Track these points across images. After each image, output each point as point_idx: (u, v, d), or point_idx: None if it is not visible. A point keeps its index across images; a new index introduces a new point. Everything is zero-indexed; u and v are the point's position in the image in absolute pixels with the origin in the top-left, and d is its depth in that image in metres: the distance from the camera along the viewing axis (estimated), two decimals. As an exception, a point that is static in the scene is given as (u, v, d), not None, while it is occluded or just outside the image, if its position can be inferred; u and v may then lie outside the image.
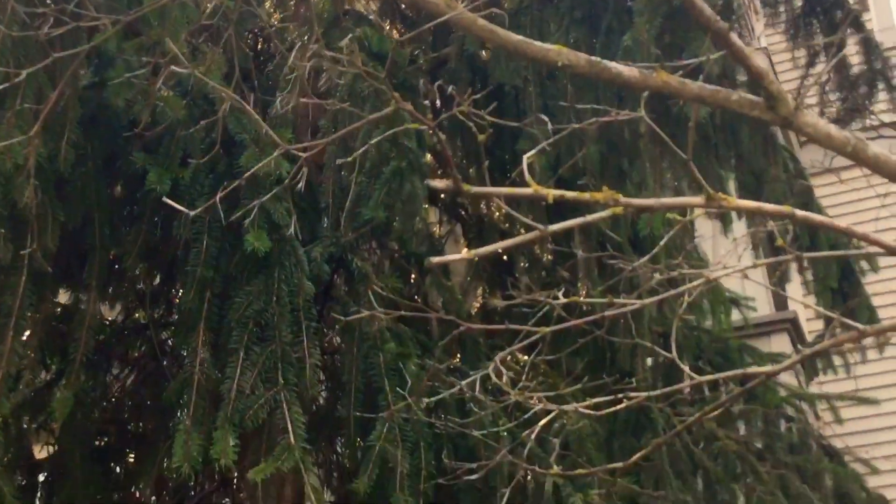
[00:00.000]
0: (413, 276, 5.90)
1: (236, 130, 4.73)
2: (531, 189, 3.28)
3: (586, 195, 3.31)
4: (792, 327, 8.86)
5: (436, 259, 3.42)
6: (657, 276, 3.68)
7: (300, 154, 4.11)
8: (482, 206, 6.11)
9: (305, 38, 5.92)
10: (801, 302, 4.52)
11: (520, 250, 6.06)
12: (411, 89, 6.01)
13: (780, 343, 8.58)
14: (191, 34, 5.04)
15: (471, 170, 6.34)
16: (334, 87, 5.64)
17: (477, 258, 6.26)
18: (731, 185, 6.26)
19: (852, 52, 6.03)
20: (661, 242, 3.45)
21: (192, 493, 5.98)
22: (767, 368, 3.99)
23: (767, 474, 5.40)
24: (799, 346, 8.52)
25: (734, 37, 2.86)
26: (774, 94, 2.90)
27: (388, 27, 7.04)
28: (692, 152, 3.21)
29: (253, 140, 4.72)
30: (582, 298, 3.61)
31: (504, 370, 3.56)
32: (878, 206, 5.75)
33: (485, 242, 5.97)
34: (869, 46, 5.81)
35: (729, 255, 6.01)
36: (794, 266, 7.45)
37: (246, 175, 3.99)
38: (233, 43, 4.75)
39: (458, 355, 5.54)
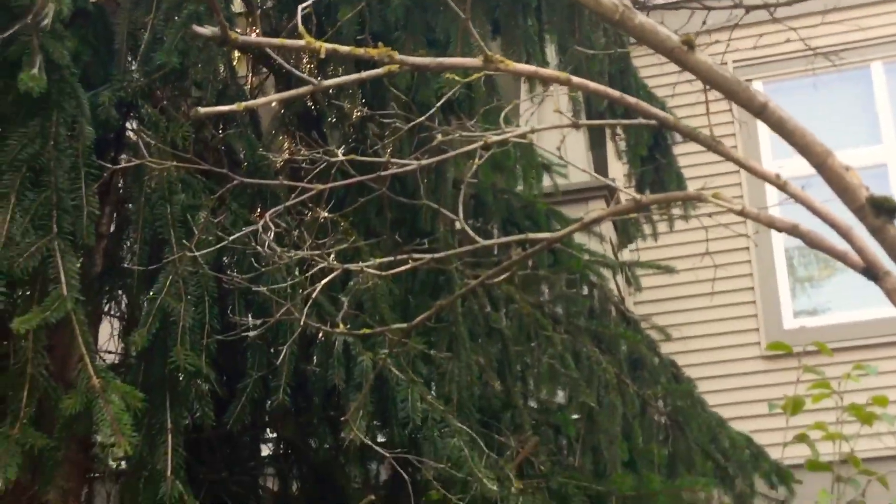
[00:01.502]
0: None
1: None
2: (303, 41, 3.16)
3: (361, 51, 3.20)
4: (609, 194, 8.98)
5: (203, 109, 3.28)
6: (439, 136, 3.61)
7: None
8: (292, 57, 5.91)
9: None
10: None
11: (329, 103, 5.92)
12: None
13: (597, 207, 8.70)
14: None
15: (284, 17, 6.13)
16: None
17: (283, 110, 6.13)
18: (551, 50, 6.23)
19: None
20: (439, 104, 3.37)
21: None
22: (548, 235, 3.99)
23: (561, 338, 5.48)
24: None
25: None
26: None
27: None
28: (470, 10, 3.12)
29: (35, -27, 4.41)
30: (360, 158, 3.50)
31: (273, 227, 3.46)
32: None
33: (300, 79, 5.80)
34: None
35: (526, 119, 5.99)
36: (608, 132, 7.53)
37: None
38: None
39: (259, 209, 5.43)
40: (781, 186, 3.08)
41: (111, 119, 4.69)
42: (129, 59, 5.17)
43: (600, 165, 9.62)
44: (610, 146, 7.58)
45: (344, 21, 5.23)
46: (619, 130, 6.86)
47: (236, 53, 6.70)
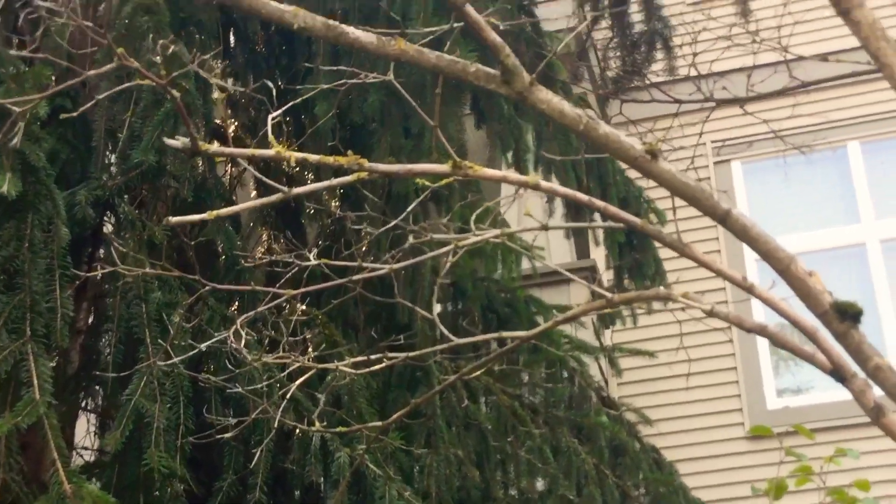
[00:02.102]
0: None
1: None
2: (273, 151, 3.18)
3: (330, 159, 3.23)
4: (591, 275, 9.01)
5: (174, 219, 3.30)
6: (411, 238, 3.63)
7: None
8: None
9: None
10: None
11: (308, 197, 5.97)
12: (199, 25, 5.82)
13: (578, 291, 8.71)
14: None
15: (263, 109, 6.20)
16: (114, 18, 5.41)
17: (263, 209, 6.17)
18: (530, 136, 6.29)
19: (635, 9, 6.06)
20: (409, 208, 3.39)
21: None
22: (523, 334, 4.00)
23: (539, 429, 5.47)
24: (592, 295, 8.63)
25: (470, 9, 2.79)
26: (510, 68, 2.86)
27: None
28: (439, 117, 3.16)
29: (12, 77, 4.47)
30: (333, 262, 3.52)
31: (243, 334, 3.46)
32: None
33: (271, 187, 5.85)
34: (650, 6, 5.85)
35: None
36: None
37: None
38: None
39: (237, 302, 5.44)
40: (748, 289, 3.09)
41: (88, 218, 4.71)
42: (108, 155, 5.21)
43: (582, 246, 9.66)
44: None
45: (321, 114, 5.30)
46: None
47: (216, 144, 6.77)
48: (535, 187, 3.24)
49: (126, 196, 5.00)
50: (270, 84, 3.21)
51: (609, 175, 6.47)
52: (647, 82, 5.80)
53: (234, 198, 6.50)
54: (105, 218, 5.10)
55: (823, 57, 4.06)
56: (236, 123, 6.31)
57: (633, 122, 6.58)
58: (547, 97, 2.88)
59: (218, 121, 5.97)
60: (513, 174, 3.30)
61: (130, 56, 5.40)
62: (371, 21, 5.31)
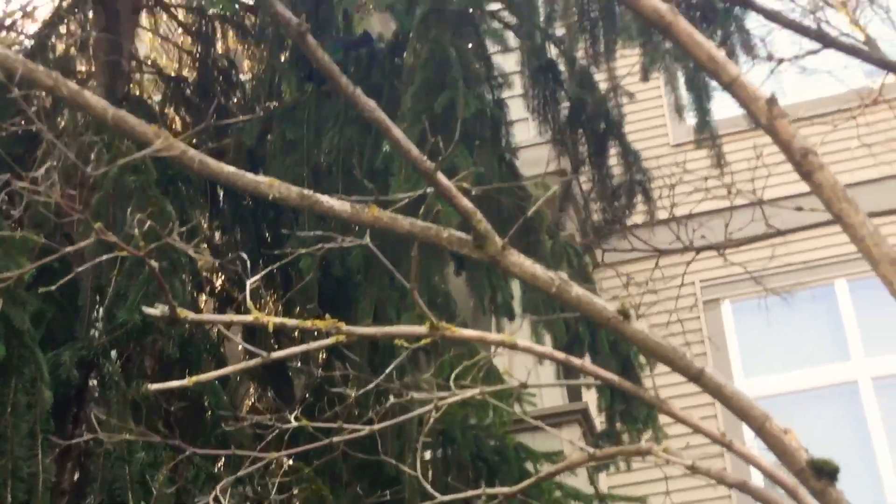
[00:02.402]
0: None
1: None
2: (251, 316, 3.22)
3: (308, 323, 3.26)
4: (583, 418, 8.95)
5: (153, 386, 3.32)
6: (392, 398, 3.64)
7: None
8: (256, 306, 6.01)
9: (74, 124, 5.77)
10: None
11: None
12: (186, 181, 5.91)
13: (570, 433, 8.66)
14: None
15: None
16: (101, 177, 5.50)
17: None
18: (515, 284, 6.32)
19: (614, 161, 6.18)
20: (389, 369, 3.40)
21: None
22: (507, 490, 3.98)
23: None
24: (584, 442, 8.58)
25: (441, 177, 2.85)
26: (482, 233, 2.91)
27: (172, 114, 6.94)
28: (421, 271, 3.21)
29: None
30: (311, 424, 3.52)
31: (225, 500, 3.44)
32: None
33: (259, 341, 5.87)
34: (629, 157, 5.97)
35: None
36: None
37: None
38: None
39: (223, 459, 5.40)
40: (727, 445, 3.10)
41: (72, 378, 4.72)
42: (95, 313, 5.25)
43: (575, 388, 9.62)
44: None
45: (305, 269, 5.36)
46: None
47: (203, 297, 6.82)
48: (513, 347, 3.27)
49: (113, 353, 5.01)
50: (245, 256, 3.27)
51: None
52: (628, 232, 5.88)
53: (222, 350, 6.50)
54: (91, 376, 5.09)
55: (798, 207, 4.13)
56: (223, 277, 6.36)
57: (619, 263, 6.67)
58: (519, 261, 2.92)
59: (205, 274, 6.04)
60: (490, 335, 3.33)
61: (119, 214, 5.49)
62: (352, 176, 5.41)
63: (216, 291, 6.74)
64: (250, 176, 2.92)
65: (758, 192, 4.60)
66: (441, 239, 2.95)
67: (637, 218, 6.28)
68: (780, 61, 4.33)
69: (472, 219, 2.88)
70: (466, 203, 2.87)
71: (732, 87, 2.75)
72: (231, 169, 2.91)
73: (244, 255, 3.38)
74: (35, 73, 2.53)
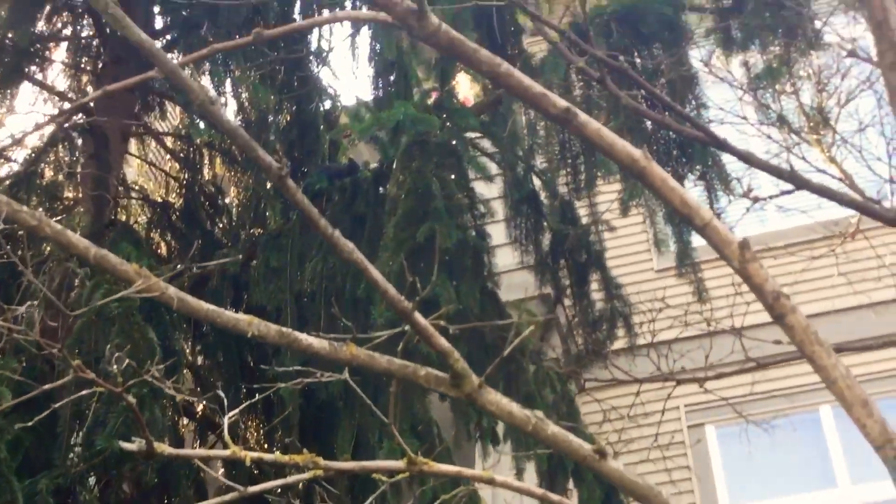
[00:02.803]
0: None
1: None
2: (228, 451, 3.21)
3: (286, 458, 3.25)
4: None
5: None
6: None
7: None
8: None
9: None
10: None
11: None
12: (170, 308, 5.92)
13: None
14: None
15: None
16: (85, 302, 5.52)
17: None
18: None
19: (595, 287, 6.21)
20: (368, 501, 3.39)
21: None
22: None
23: None
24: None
25: (418, 317, 2.88)
26: (459, 372, 2.93)
27: (157, 238, 7.00)
28: (395, 416, 3.21)
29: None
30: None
31: None
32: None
33: (240, 467, 5.84)
34: (610, 287, 6.02)
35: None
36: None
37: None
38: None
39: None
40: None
41: (48, 507, 4.68)
42: (74, 438, 5.22)
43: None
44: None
45: (286, 396, 5.36)
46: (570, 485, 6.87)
47: (184, 420, 6.79)
48: (490, 482, 3.27)
49: (91, 479, 4.98)
50: (222, 394, 3.27)
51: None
52: (609, 362, 5.91)
53: (201, 475, 6.45)
54: (67, 504, 5.05)
55: (777, 340, 4.16)
56: (204, 402, 6.34)
57: (601, 389, 6.65)
58: (495, 399, 2.94)
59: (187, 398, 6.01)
60: (468, 470, 3.32)
61: (101, 340, 5.48)
62: (335, 303, 5.44)
63: (197, 416, 6.71)
64: (229, 314, 2.95)
65: (738, 319, 4.64)
66: (418, 377, 2.97)
67: (619, 343, 6.30)
68: (756, 199, 4.41)
69: (449, 357, 2.90)
70: (443, 342, 2.90)
71: (706, 230, 2.80)
72: (210, 307, 2.93)
73: (221, 393, 3.38)
74: (19, 213, 2.57)
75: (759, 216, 6.39)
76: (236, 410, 3.25)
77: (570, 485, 7.04)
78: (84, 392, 3.01)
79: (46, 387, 2.92)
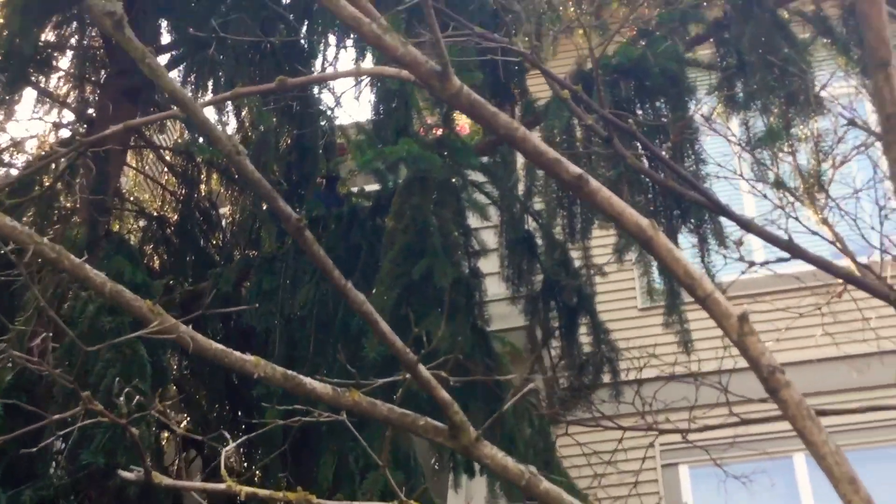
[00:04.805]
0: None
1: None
2: (224, 484, 3.26)
3: (280, 494, 3.30)
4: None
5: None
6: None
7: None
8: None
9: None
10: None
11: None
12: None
13: None
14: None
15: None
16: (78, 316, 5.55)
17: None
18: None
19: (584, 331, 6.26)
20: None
21: None
22: None
23: None
24: None
25: (422, 369, 2.94)
26: (458, 424, 2.99)
27: (150, 251, 7.03)
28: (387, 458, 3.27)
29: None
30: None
31: None
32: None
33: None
34: (598, 331, 6.09)
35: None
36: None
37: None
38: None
39: None
40: None
41: (31, 519, 4.70)
42: (59, 451, 5.25)
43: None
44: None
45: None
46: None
47: (165, 434, 6.81)
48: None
49: (74, 494, 5.00)
50: (227, 434, 3.32)
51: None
52: (593, 406, 5.98)
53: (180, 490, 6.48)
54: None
55: (764, 398, 4.22)
56: (189, 419, 6.37)
57: (582, 433, 6.68)
58: (491, 453, 3.00)
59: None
60: (457, 516, 3.38)
61: (92, 355, 5.51)
62: (325, 330, 5.49)
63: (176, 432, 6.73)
64: (236, 354, 3.00)
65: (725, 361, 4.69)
66: (417, 427, 3.03)
67: (603, 384, 6.35)
68: (752, 264, 4.50)
69: (448, 409, 2.96)
70: (444, 395, 2.96)
71: (707, 302, 2.87)
72: (218, 346, 2.98)
73: (226, 433, 3.43)
74: (41, 245, 2.62)
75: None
76: (232, 446, 3.29)
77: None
78: (77, 410, 3.04)
79: (46, 421, 2.95)
